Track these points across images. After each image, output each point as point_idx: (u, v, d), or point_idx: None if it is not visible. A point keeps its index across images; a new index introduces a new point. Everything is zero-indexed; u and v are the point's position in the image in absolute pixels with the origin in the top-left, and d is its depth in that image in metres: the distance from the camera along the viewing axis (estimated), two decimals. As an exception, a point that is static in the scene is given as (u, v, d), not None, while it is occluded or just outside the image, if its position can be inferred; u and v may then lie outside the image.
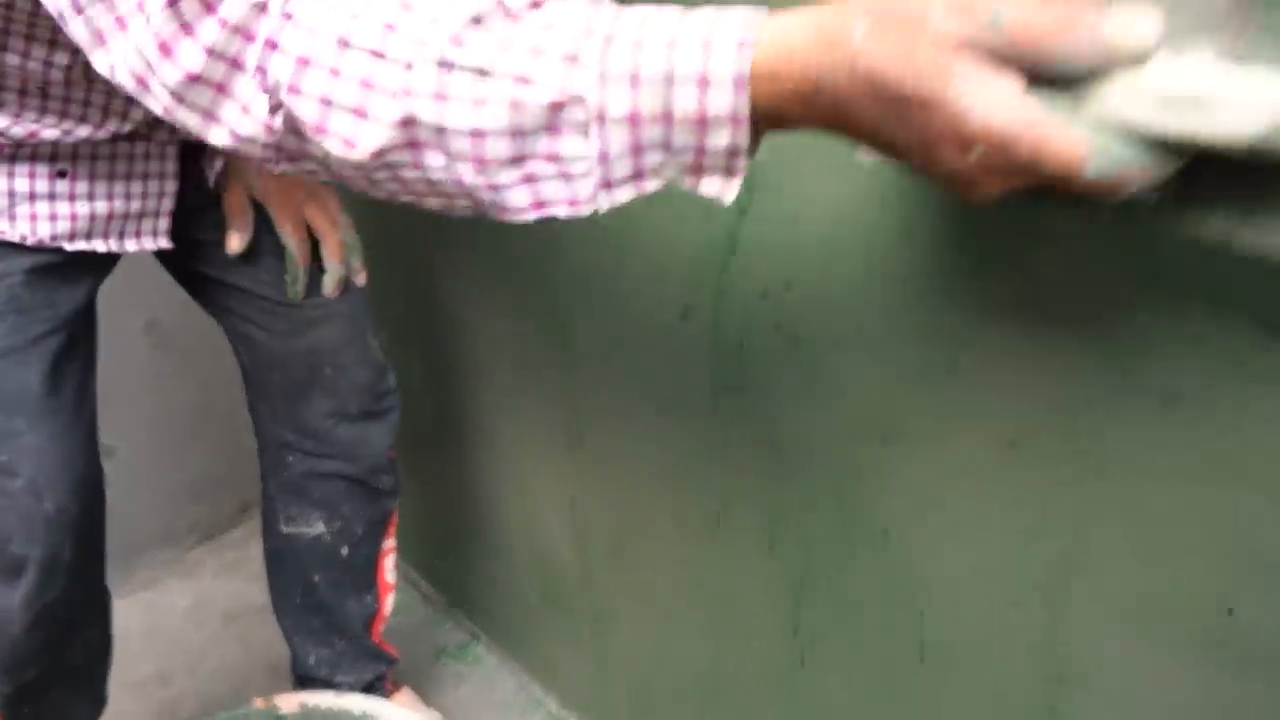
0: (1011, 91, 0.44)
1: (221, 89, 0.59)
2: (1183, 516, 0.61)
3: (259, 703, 1.22)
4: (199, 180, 1.03)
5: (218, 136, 0.61)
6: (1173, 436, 0.59)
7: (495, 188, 0.55)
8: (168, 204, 0.98)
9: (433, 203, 0.60)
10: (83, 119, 0.88)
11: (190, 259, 1.09)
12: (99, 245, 0.94)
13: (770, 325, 0.82)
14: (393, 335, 1.23)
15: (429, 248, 1.27)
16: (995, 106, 0.43)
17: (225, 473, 1.81)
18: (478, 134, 0.53)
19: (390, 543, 1.30)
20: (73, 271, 0.95)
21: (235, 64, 0.57)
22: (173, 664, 1.59)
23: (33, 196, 0.89)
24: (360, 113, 0.55)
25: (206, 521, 1.85)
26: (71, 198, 0.91)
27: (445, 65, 0.53)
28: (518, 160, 0.54)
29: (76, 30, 0.61)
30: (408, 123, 0.54)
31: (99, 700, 1.17)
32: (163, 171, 0.96)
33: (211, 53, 0.57)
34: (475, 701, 1.45)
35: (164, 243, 1.00)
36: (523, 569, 1.37)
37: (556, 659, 1.38)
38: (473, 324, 1.26)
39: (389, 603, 1.32)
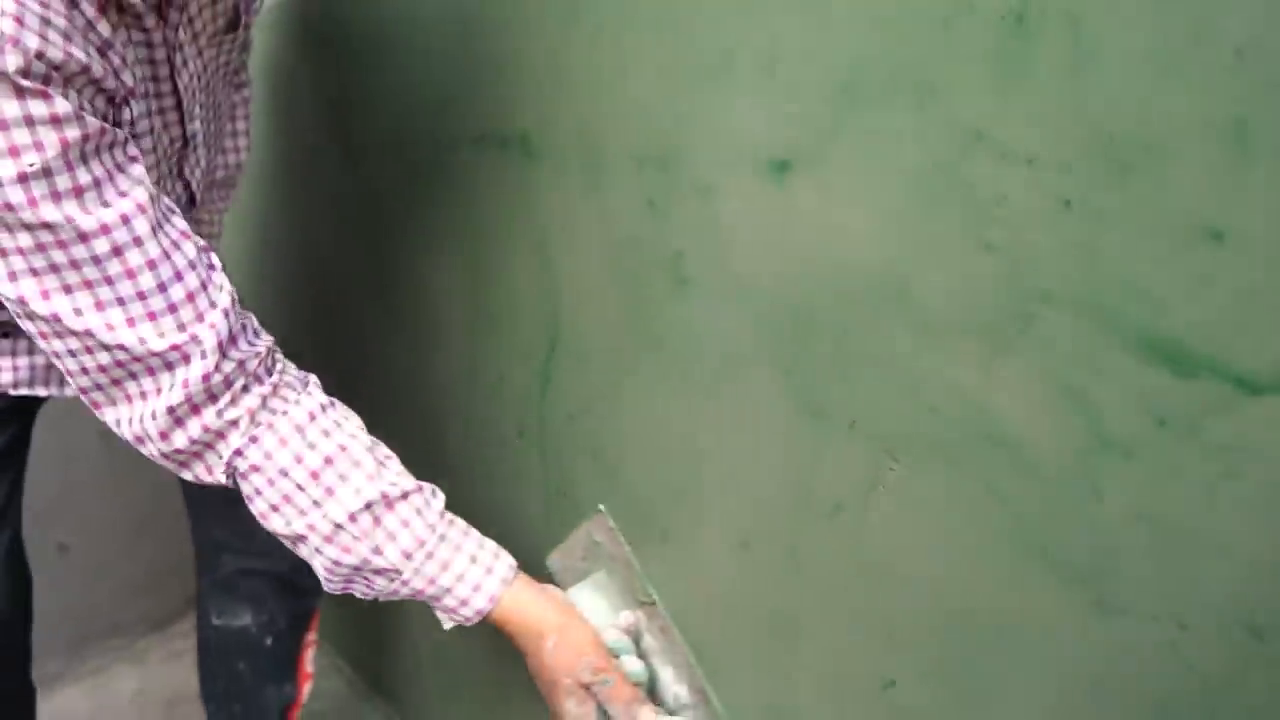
0: (585, 709, 0.90)
1: (197, 456, 0.87)
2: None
3: (184, 780, 1.36)
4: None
5: (187, 475, 0.89)
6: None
7: (331, 579, 0.91)
8: None
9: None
10: None
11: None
12: (40, 391, 1.10)
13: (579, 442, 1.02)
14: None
15: (347, 374, 1.46)
16: (570, 710, 0.90)
17: (174, 566, 1.92)
18: (337, 563, 0.89)
19: (312, 636, 1.44)
20: (10, 412, 1.11)
21: (209, 448, 0.86)
22: (112, 743, 1.72)
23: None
24: (275, 509, 0.88)
25: (155, 613, 1.98)
26: (13, 353, 1.07)
27: (339, 526, 0.87)
28: (350, 580, 0.91)
29: (93, 396, 0.84)
30: (298, 539, 0.88)
31: None
32: None
33: (194, 442, 0.85)
34: (386, 781, 1.59)
35: None
36: (428, 660, 1.52)
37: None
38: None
39: (306, 690, 1.46)
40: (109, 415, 0.85)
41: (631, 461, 0.99)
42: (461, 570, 0.90)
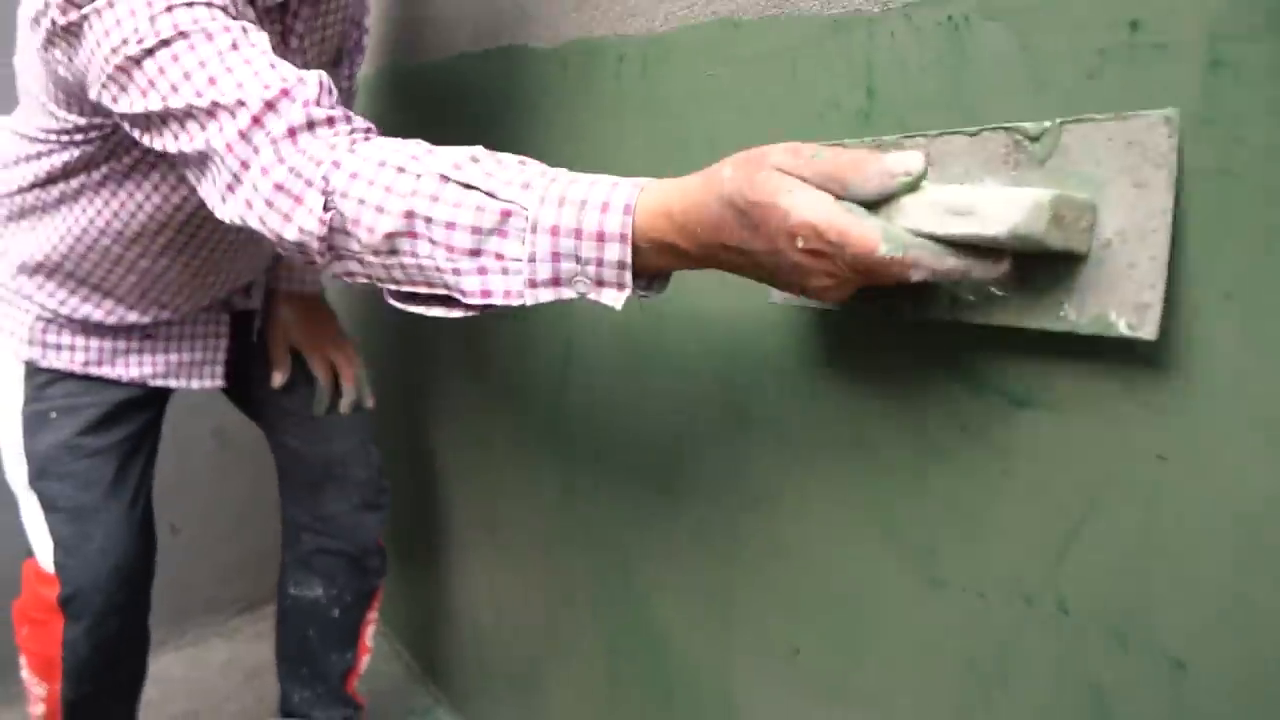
0: (824, 199, 0.62)
1: (299, 200, 0.82)
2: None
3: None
4: (249, 335, 1.48)
5: (290, 233, 0.82)
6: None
7: (458, 273, 0.75)
8: (221, 355, 1.42)
9: (421, 291, 0.79)
10: (164, 306, 1.32)
11: (244, 387, 1.53)
12: (172, 383, 1.37)
13: (594, 415, 1.21)
14: (388, 452, 1.64)
15: (420, 397, 1.69)
16: (810, 207, 0.62)
17: (267, 555, 2.15)
18: (450, 225, 0.74)
19: (373, 614, 1.67)
20: (148, 400, 1.37)
21: (308, 182, 0.81)
22: (202, 705, 1.96)
23: (128, 351, 1.32)
24: (380, 209, 0.77)
25: (247, 595, 2.24)
26: (153, 352, 1.34)
27: (444, 178, 0.75)
28: (475, 253, 0.74)
29: (206, 188, 0.90)
30: (409, 215, 0.75)
31: (133, 713, 1.54)
32: (218, 333, 1.40)
33: (301, 166, 0.82)
34: (427, 753, 1.80)
35: (219, 382, 1.43)
36: (471, 649, 1.73)
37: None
38: (445, 448, 1.66)
39: (364, 662, 1.68)
40: (224, 187, 0.88)
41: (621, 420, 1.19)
42: (584, 196, 0.72)
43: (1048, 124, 0.63)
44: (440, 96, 1.45)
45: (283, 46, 1.14)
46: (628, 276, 0.70)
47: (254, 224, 0.84)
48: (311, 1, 1.16)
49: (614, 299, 0.72)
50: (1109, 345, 0.65)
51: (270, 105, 0.83)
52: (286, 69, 0.87)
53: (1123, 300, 0.61)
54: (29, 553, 1.31)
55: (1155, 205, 0.59)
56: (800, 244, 0.63)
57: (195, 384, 1.40)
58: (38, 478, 1.28)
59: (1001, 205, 0.59)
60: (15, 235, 1.25)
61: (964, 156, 0.67)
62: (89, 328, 1.28)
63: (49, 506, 1.28)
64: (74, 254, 1.21)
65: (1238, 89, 0.57)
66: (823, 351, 0.88)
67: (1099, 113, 0.61)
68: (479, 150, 0.78)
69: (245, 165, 0.84)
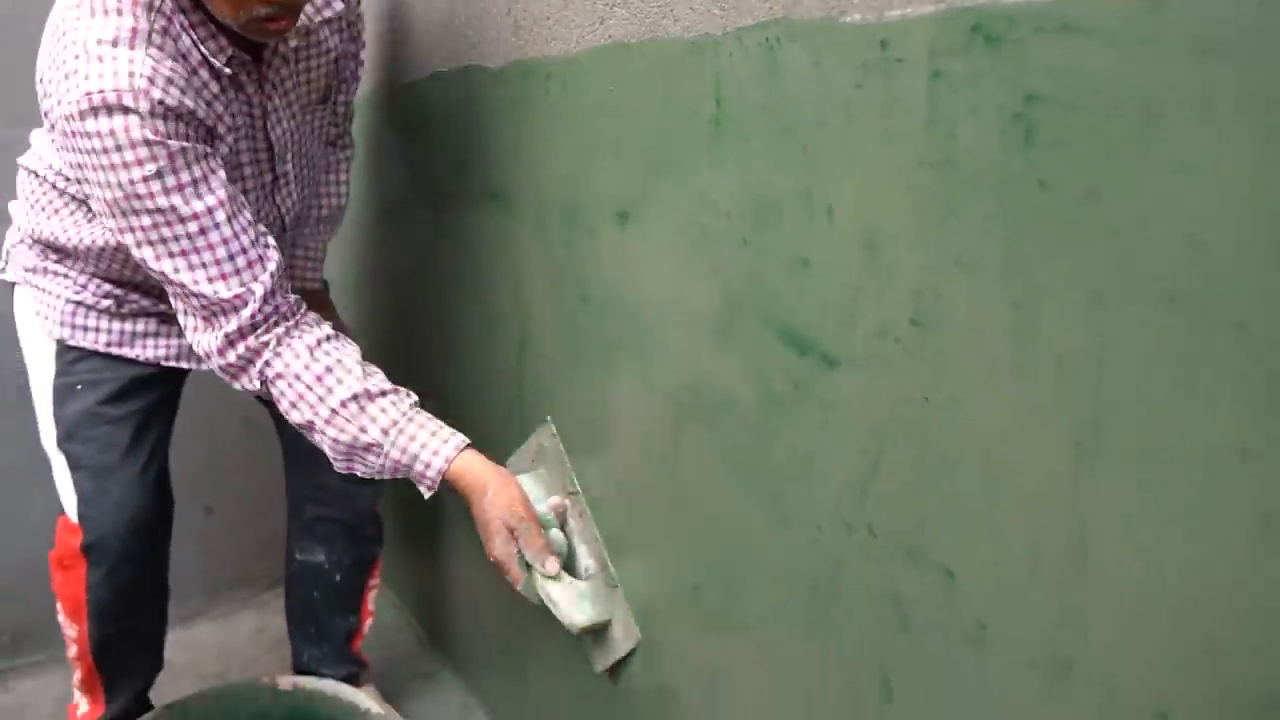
0: (509, 549, 1.22)
1: (242, 369, 1.27)
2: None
3: (265, 679, 1.76)
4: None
5: (237, 386, 1.30)
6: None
7: (337, 457, 1.27)
8: None
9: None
10: None
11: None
12: (183, 364, 1.54)
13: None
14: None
15: (416, 378, 1.86)
16: (498, 547, 1.22)
17: None
18: (335, 441, 1.25)
19: (374, 581, 1.82)
20: (162, 378, 1.55)
21: (250, 363, 1.27)
22: (231, 667, 2.15)
23: (145, 335, 1.50)
24: (293, 406, 1.26)
25: (276, 571, 2.39)
26: (168, 336, 1.52)
27: (334, 412, 1.24)
28: (349, 457, 1.27)
29: (186, 322, 1.29)
30: (310, 425, 1.26)
31: (158, 662, 1.70)
32: None
33: (240, 358, 1.26)
34: (425, 711, 1.96)
35: None
36: (472, 622, 1.89)
37: (497, 687, 1.88)
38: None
39: (368, 625, 1.83)
40: (195, 339, 1.29)
41: (566, 400, 1.34)
42: (425, 442, 1.23)
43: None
44: (421, 109, 1.62)
45: (260, 94, 1.31)
46: (430, 490, 1.27)
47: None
48: (285, 57, 1.33)
49: (425, 491, 1.27)
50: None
51: (223, 308, 1.23)
52: (243, 263, 1.22)
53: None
54: (61, 511, 1.50)
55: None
56: (490, 554, 1.25)
57: (204, 365, 1.58)
58: (65, 440, 1.47)
59: (570, 605, 1.24)
60: (49, 219, 1.43)
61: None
62: (111, 313, 1.47)
63: (74, 465, 1.47)
64: (93, 249, 1.40)
65: (951, 94, 0.70)
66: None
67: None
68: (370, 386, 1.25)
69: (201, 331, 1.27)
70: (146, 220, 1.17)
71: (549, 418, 1.37)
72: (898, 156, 0.75)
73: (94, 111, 1.12)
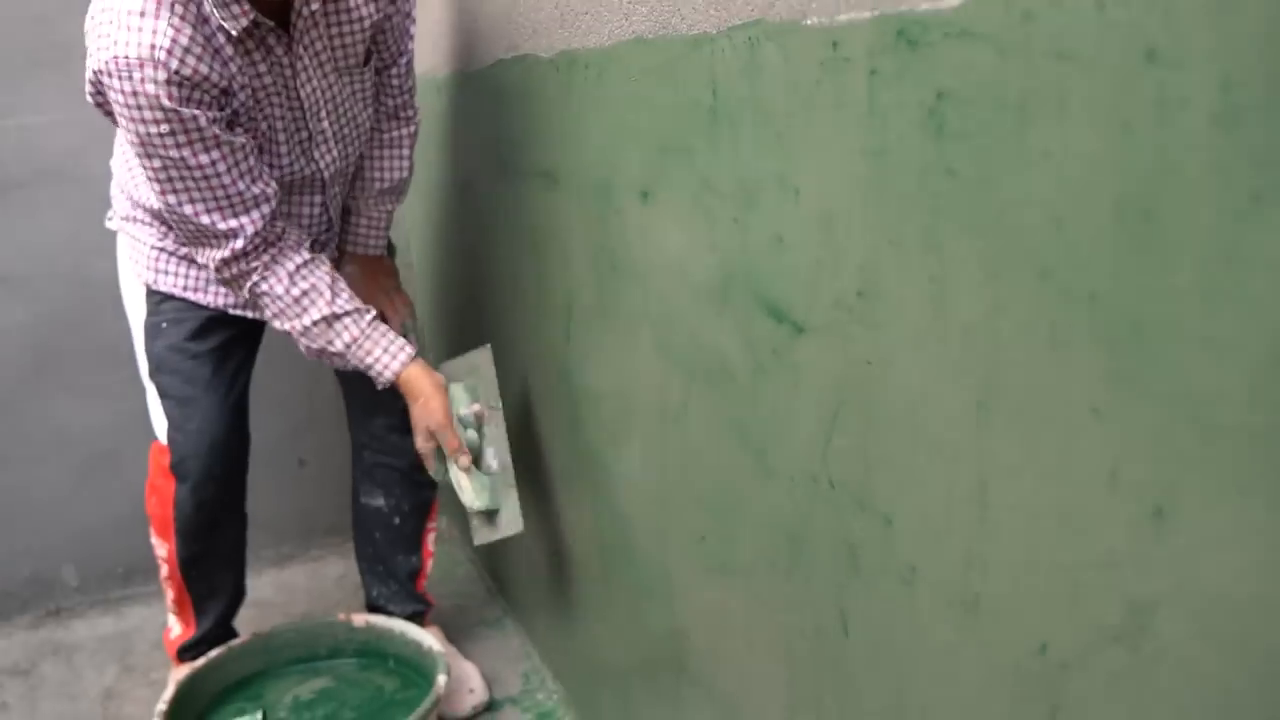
0: (429, 445, 1.63)
1: (235, 282, 1.54)
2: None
3: (341, 616, 1.93)
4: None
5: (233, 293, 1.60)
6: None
7: (310, 355, 1.59)
8: None
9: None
10: None
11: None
12: (248, 313, 1.69)
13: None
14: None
15: (483, 332, 2.00)
16: (420, 444, 1.62)
17: None
18: (308, 347, 1.58)
19: (432, 524, 1.97)
20: (234, 320, 1.70)
21: (242, 279, 1.53)
22: (318, 608, 2.34)
23: (217, 283, 1.65)
24: (277, 316, 1.56)
25: (363, 521, 2.61)
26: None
27: (307, 328, 1.55)
28: (319, 357, 1.60)
29: (190, 247, 1.54)
30: (287, 331, 1.57)
31: (241, 588, 1.89)
32: None
33: (234, 275, 1.53)
34: (487, 652, 2.10)
35: None
36: (530, 574, 2.03)
37: (549, 633, 2.02)
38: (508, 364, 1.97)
39: (429, 565, 1.98)
40: (198, 254, 1.53)
41: (597, 362, 1.46)
42: (378, 356, 1.59)
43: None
44: (488, 94, 1.75)
45: (289, 55, 1.45)
46: (383, 388, 1.64)
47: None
48: (313, 20, 1.46)
49: (379, 387, 1.64)
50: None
51: (219, 236, 1.47)
52: (239, 202, 1.46)
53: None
54: (155, 437, 1.71)
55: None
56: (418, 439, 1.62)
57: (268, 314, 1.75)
58: (155, 372, 1.67)
59: (473, 492, 1.65)
60: (132, 176, 1.63)
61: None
62: (190, 260, 1.65)
63: (163, 394, 1.67)
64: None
65: (884, 90, 0.79)
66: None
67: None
68: (337, 308, 1.55)
69: (202, 252, 1.53)
70: (159, 163, 1.39)
71: (488, 344, 1.71)
72: (846, 144, 0.84)
73: (120, 73, 1.31)
